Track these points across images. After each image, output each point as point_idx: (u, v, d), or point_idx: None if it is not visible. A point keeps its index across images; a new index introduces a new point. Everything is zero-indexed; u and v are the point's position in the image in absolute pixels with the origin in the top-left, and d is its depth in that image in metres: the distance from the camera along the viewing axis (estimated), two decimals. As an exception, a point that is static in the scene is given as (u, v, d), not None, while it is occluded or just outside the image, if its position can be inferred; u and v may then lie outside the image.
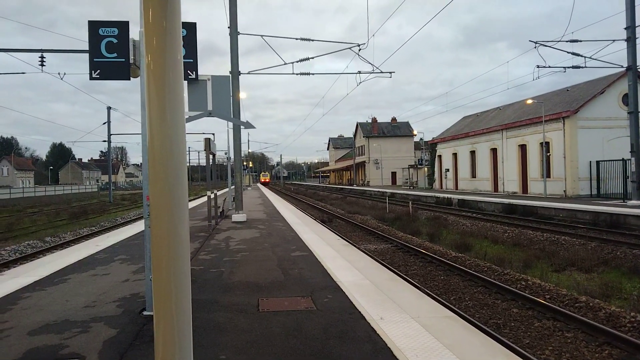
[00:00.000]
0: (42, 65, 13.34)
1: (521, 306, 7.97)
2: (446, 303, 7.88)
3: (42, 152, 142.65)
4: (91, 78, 5.67)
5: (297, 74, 18.60)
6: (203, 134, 57.66)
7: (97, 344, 4.50)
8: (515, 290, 8.59)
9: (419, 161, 62.15)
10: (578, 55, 21.68)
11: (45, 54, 12.96)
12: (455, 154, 45.25)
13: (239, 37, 16.78)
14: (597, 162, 28.17)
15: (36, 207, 41.08)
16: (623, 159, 25.20)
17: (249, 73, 18.36)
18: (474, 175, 41.88)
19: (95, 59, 5.65)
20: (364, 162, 75.94)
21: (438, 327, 4.77)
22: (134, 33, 5.75)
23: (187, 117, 7.17)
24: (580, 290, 8.82)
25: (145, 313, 5.49)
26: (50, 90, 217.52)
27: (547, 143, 30.83)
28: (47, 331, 4.89)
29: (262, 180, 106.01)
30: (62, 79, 14.47)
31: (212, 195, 15.80)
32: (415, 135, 72.15)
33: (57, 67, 47.73)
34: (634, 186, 21.12)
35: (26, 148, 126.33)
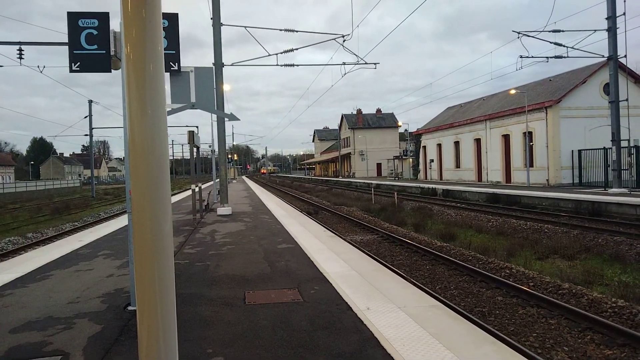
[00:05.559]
0: (20, 58, 13.06)
1: (506, 294, 8.07)
2: (432, 292, 7.95)
3: (23, 147, 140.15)
4: (71, 70, 5.56)
5: (281, 66, 18.49)
6: (187, 127, 57.19)
7: (82, 340, 4.45)
8: (500, 279, 8.69)
9: (403, 152, 62.43)
10: (560, 45, 21.87)
11: (23, 47, 12.67)
12: (439, 145, 45.50)
13: (221, 28, 16.60)
14: (579, 151, 28.56)
15: (17, 203, 40.43)
16: (604, 148, 25.56)
17: (232, 65, 18.20)
18: (458, 165, 42.18)
19: (75, 51, 5.54)
20: (350, 153, 76.00)
21: (424, 317, 4.81)
22: (115, 24, 5.65)
23: (170, 109, 7.08)
24: (563, 278, 8.97)
25: (130, 308, 5.44)
26: (28, 83, 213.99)
27: (530, 133, 31.15)
28: (30, 328, 4.82)
29: (262, 172, 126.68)
30: (41, 72, 14.20)
31: (197, 189, 15.70)
32: (400, 126, 72.38)
33: (35, 60, 46.53)
34: (615, 174, 21.45)
35: (5, 143, 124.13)
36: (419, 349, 3.98)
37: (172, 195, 30.46)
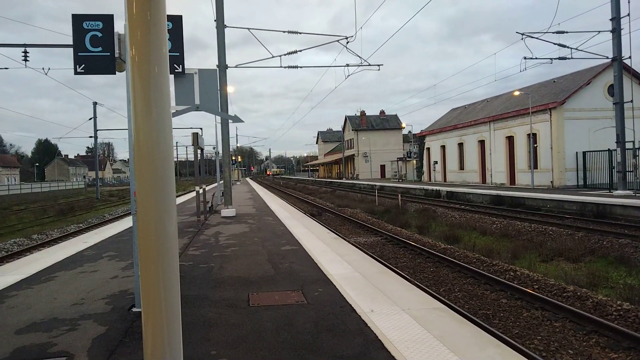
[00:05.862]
0: (25, 60, 13.12)
1: (510, 296, 8.04)
2: (436, 295, 7.93)
3: (28, 149, 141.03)
4: (76, 73, 5.58)
5: (285, 67, 18.52)
6: (191, 129, 57.43)
7: (86, 341, 4.46)
8: (504, 281, 8.66)
9: (407, 154, 62.41)
10: (564, 46, 21.81)
11: (27, 49, 12.74)
12: (443, 146, 45.43)
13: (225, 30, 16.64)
14: (584, 153, 28.45)
15: (22, 205, 40.59)
16: (609, 150, 25.46)
17: (236, 66, 18.23)
18: (462, 167, 42.09)
19: (79, 53, 5.56)
20: (353, 155, 75.96)
21: (428, 319, 4.79)
22: (119, 26, 5.68)
23: (174, 111, 7.10)
24: (568, 280, 8.92)
25: (134, 310, 5.45)
26: (32, 85, 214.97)
27: (535, 134, 31.06)
28: (35, 330, 4.83)
29: (268, 173, 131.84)
30: (46, 74, 14.28)
31: (201, 191, 15.72)
32: (404, 128, 72.33)
33: (40, 62, 46.91)
34: (620, 176, 21.36)
35: (11, 145, 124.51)
36: (422, 351, 3.97)
37: (177, 197, 30.47)
